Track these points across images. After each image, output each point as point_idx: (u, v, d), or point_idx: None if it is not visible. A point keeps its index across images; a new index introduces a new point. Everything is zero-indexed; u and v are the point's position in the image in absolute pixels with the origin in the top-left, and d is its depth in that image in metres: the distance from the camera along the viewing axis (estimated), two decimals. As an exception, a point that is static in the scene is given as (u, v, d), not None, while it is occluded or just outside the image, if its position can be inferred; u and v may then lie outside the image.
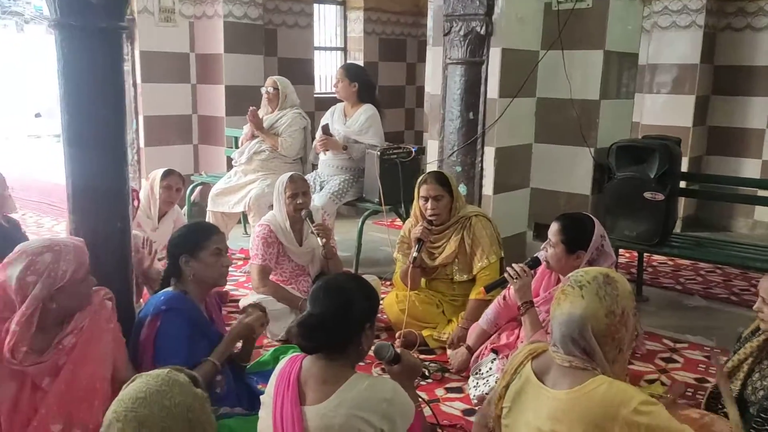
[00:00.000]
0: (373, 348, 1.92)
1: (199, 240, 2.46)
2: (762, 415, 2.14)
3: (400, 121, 8.94)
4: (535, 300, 2.90)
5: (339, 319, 1.79)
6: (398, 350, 2.02)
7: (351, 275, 2.00)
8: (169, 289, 2.45)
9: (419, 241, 3.41)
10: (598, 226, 2.85)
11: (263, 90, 5.06)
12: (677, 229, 5.61)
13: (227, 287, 4.20)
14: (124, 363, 2.23)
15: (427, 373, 3.11)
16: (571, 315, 1.70)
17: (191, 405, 1.21)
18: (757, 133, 5.98)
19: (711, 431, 2.09)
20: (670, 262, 5.05)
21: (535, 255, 3.01)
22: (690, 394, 3.00)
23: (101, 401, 2.07)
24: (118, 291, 2.32)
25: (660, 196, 3.78)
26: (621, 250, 4.59)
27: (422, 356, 3.34)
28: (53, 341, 2.05)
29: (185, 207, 5.38)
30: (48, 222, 6.27)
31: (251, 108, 4.91)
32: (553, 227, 2.84)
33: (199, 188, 5.72)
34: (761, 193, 4.68)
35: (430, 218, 3.43)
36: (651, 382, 3.13)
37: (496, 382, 2.76)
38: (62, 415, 2.02)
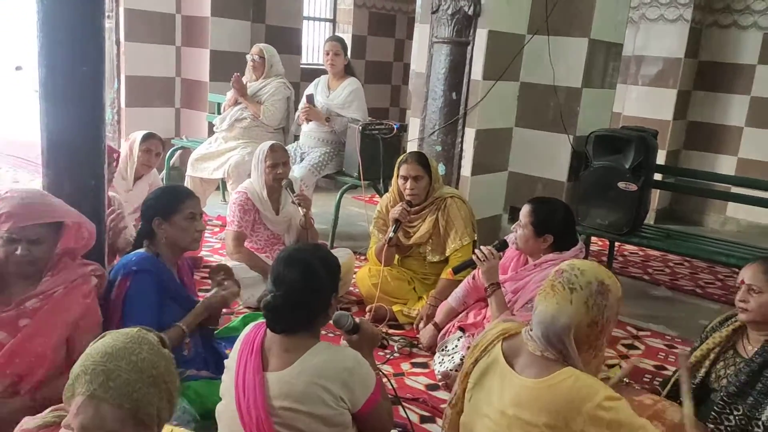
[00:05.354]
0: (333, 317, 1.94)
1: (173, 203, 2.45)
2: (725, 398, 2.22)
3: (386, 97, 8.91)
4: (503, 277, 2.96)
5: (308, 299, 1.80)
6: (357, 320, 2.04)
7: (312, 247, 1.96)
8: (141, 250, 2.45)
9: (397, 221, 3.45)
10: (568, 213, 2.90)
11: (248, 57, 5.01)
12: (651, 221, 5.70)
13: (202, 253, 4.21)
14: (87, 338, 2.16)
15: (386, 343, 3.16)
16: (555, 318, 1.67)
17: (156, 363, 1.23)
18: (735, 131, 6.07)
19: (663, 418, 2.14)
20: (641, 252, 5.14)
21: (503, 238, 3.06)
22: (648, 380, 3.09)
23: (46, 370, 2.06)
24: (90, 249, 2.32)
25: (633, 187, 3.83)
26: (593, 238, 4.66)
27: (391, 331, 3.39)
28: (18, 297, 2.04)
29: (164, 171, 5.34)
30: (24, 177, 6.19)
31: (235, 74, 4.88)
32: (525, 209, 2.90)
33: (179, 152, 5.68)
34: (735, 189, 4.76)
35: (408, 199, 3.46)
36: (611, 366, 3.21)
37: (461, 359, 2.82)
38: (8, 375, 2.00)
